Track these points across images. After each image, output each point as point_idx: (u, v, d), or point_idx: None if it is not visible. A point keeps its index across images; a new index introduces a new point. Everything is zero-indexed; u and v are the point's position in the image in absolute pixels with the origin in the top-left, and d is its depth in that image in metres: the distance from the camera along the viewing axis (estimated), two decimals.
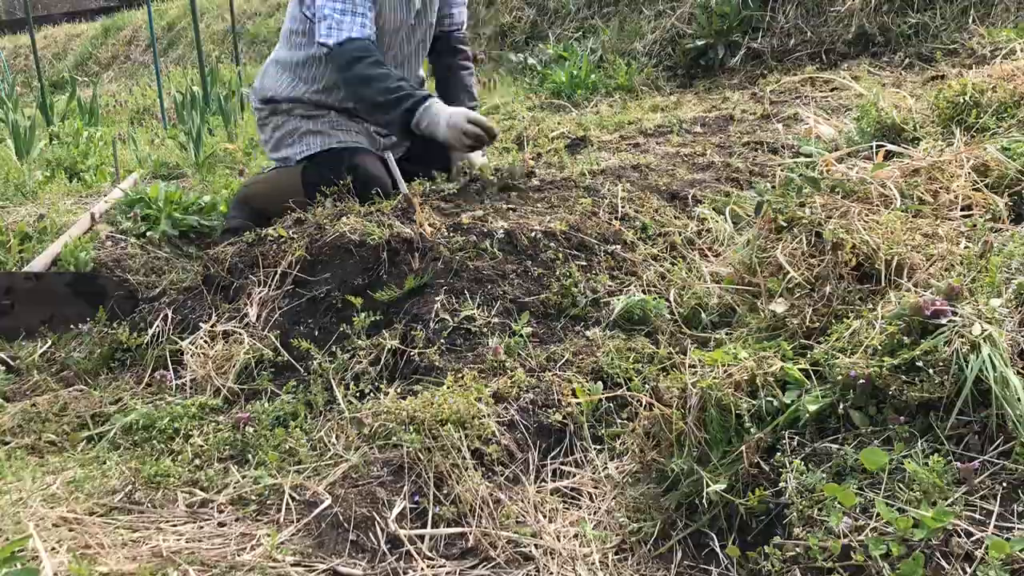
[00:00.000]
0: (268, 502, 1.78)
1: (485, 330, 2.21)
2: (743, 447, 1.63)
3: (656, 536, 1.64)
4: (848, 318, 1.82)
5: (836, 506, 1.43)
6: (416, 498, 1.71)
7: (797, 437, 1.63)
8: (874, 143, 2.85)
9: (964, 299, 1.65)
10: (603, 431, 1.97)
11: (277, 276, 2.53)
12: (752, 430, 1.65)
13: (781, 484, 1.55)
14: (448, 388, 1.95)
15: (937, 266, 1.92)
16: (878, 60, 5.21)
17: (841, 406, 1.62)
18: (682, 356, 2.04)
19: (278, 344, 2.36)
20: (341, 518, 1.65)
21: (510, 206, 2.78)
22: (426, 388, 2.01)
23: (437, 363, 2.11)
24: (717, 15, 6.13)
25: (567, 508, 1.78)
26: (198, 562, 1.56)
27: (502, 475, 1.81)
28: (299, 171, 3.17)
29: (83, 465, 1.98)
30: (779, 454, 1.60)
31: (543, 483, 1.84)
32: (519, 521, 1.70)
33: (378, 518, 1.65)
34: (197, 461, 1.95)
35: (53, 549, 1.55)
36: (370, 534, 1.63)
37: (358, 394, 2.12)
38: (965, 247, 2.00)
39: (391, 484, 1.72)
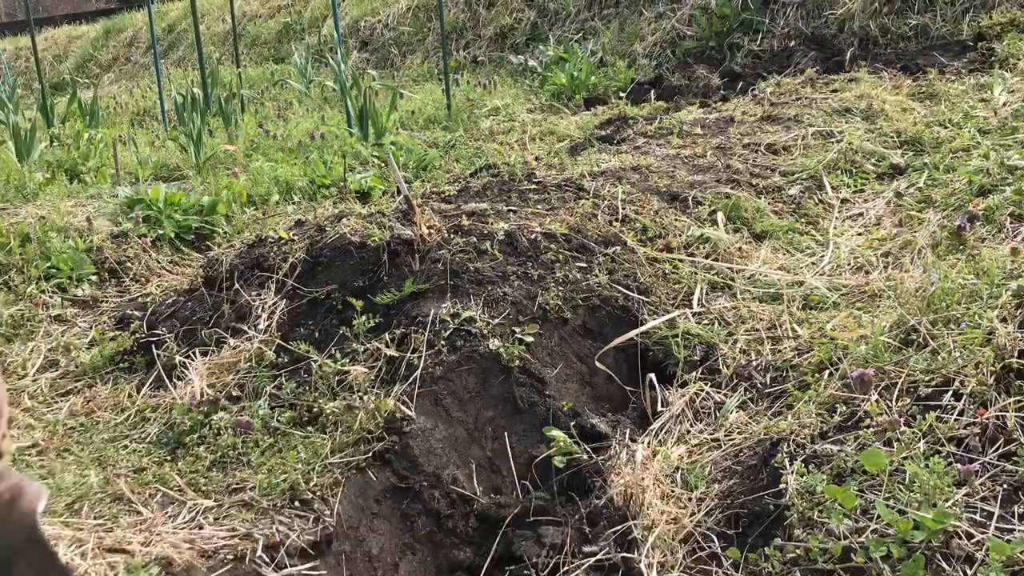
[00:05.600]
0: (268, 503, 1.78)
1: (486, 332, 2.21)
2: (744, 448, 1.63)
3: None
4: None
5: (837, 508, 1.43)
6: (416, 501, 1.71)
7: (797, 438, 1.63)
8: None
9: None
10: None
11: (278, 278, 2.53)
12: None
13: (781, 486, 1.55)
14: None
15: None
16: (878, 62, 5.21)
17: None
18: None
19: (279, 346, 2.35)
20: (341, 519, 1.65)
21: (510, 207, 2.78)
22: (426, 391, 2.01)
23: (438, 366, 2.11)
24: (717, 17, 6.13)
25: None
26: (198, 556, 1.56)
27: (505, 478, 1.81)
28: None
29: (85, 467, 1.98)
30: (779, 455, 1.60)
31: None
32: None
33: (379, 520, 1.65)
34: (198, 463, 1.95)
35: None
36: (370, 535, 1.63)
37: (358, 396, 2.11)
38: None
39: (391, 489, 1.72)
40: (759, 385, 2.03)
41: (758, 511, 1.57)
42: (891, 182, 3.32)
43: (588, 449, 1.93)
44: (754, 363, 2.11)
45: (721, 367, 2.14)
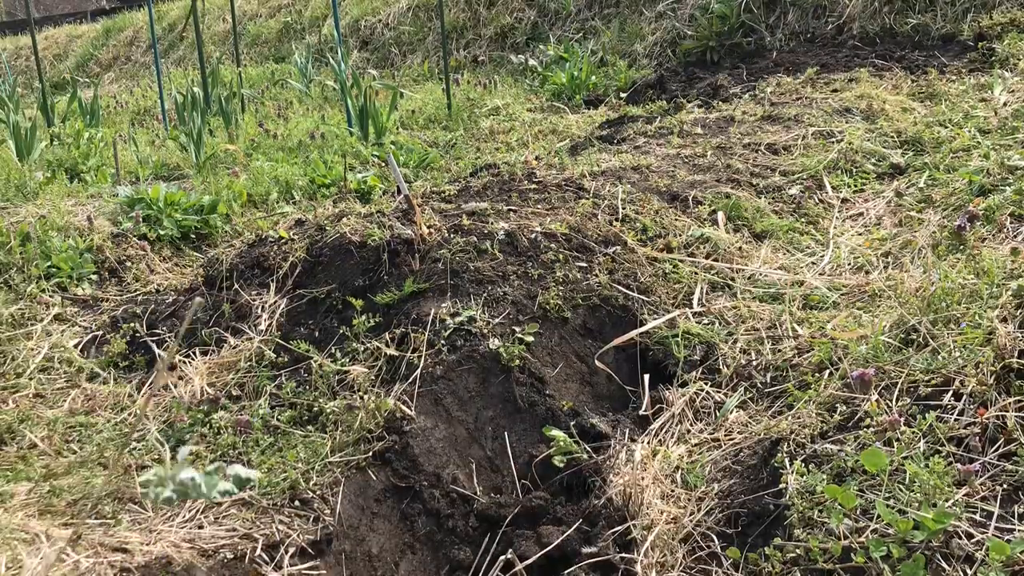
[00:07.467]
0: (268, 503, 1.78)
1: (486, 331, 2.21)
2: (744, 448, 1.63)
3: None
4: None
5: (837, 507, 1.43)
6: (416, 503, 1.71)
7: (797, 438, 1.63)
8: None
9: None
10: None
11: (278, 278, 2.53)
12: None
13: (781, 485, 1.55)
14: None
15: None
16: (878, 61, 5.21)
17: None
18: None
19: (279, 345, 2.36)
20: (341, 518, 1.65)
21: (511, 207, 2.78)
22: (426, 390, 2.01)
23: (438, 365, 2.11)
24: (718, 17, 6.13)
25: None
26: (197, 556, 1.56)
27: (505, 475, 1.81)
28: None
29: (87, 467, 1.98)
30: (779, 455, 1.60)
31: None
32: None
33: (377, 520, 1.65)
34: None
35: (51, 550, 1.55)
36: (369, 535, 1.63)
37: (358, 396, 2.11)
38: None
39: (391, 488, 1.72)
40: (759, 385, 2.03)
41: (758, 511, 1.57)
42: (891, 182, 3.32)
43: (588, 449, 1.93)
44: (754, 363, 2.11)
45: (721, 367, 2.14)
